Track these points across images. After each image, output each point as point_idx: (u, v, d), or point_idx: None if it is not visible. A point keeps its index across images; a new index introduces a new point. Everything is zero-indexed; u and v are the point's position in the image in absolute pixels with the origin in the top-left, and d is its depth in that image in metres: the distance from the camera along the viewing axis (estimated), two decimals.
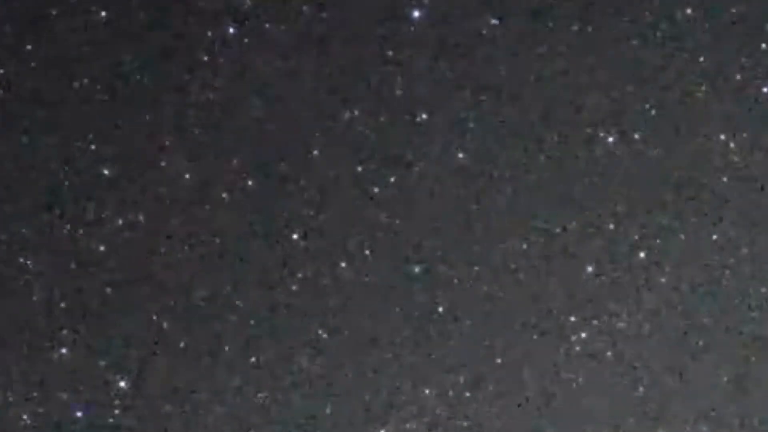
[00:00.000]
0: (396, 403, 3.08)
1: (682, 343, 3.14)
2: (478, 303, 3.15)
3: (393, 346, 3.08)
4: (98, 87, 3.05)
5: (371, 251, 3.03)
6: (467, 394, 3.12)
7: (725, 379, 3.10)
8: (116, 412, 3.07)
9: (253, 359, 3.07)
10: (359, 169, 3.09)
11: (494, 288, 3.14)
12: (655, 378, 3.11)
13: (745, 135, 3.11)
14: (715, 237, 3.17)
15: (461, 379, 3.15)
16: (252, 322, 3.11)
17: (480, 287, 3.14)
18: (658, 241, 3.14)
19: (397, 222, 3.10)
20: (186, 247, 3.03)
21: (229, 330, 3.05)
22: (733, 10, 3.05)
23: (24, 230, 3.02)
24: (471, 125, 3.08)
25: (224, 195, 3.09)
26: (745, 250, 3.12)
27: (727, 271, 3.13)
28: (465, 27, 3.06)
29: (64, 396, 3.04)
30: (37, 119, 2.98)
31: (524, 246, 3.15)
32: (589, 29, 3.08)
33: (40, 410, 3.03)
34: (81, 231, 3.06)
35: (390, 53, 3.08)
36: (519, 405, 3.11)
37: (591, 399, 3.12)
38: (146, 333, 3.09)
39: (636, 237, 3.14)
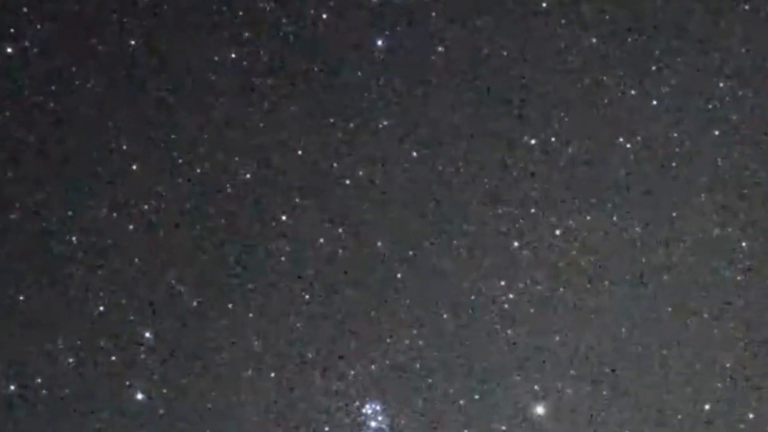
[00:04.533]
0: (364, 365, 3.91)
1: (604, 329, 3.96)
2: (433, 276, 3.98)
3: (359, 308, 3.93)
4: (122, 99, 3.89)
5: (343, 228, 3.88)
6: (418, 363, 3.93)
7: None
8: (142, 357, 3.91)
9: (251, 315, 3.91)
10: (335, 165, 3.93)
11: (446, 262, 3.98)
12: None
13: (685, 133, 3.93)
14: (638, 229, 3.98)
15: (420, 343, 3.97)
16: (250, 297, 3.94)
17: (434, 262, 3.97)
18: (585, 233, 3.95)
19: (365, 207, 3.93)
20: (198, 227, 3.87)
21: (232, 291, 3.89)
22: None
23: (70, 217, 3.86)
24: (423, 130, 3.93)
25: (227, 186, 3.93)
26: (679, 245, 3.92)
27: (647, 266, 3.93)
28: (419, 54, 3.90)
29: (103, 343, 3.88)
30: (78, 124, 3.82)
31: (471, 227, 3.99)
32: (529, 57, 3.91)
33: (83, 354, 3.87)
34: (114, 215, 3.89)
35: (359, 74, 3.92)
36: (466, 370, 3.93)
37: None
38: (166, 296, 3.93)
39: (562, 228, 3.96)
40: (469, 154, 3.91)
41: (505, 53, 3.91)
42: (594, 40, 3.92)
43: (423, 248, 3.92)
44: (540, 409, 3.92)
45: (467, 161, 3.91)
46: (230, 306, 3.90)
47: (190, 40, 3.89)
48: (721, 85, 3.91)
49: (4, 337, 3.83)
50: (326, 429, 3.92)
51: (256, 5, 3.83)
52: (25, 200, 3.80)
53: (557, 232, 3.92)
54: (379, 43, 3.90)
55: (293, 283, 3.89)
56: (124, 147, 3.87)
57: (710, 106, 3.92)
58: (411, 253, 3.92)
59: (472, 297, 3.92)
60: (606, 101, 3.92)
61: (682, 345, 3.94)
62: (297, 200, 3.91)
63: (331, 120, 3.91)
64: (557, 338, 3.93)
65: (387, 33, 3.90)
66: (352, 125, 3.90)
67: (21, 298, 3.83)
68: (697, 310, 3.93)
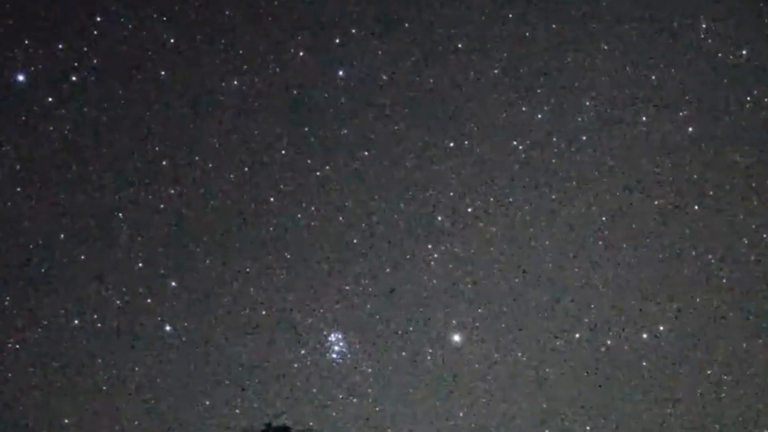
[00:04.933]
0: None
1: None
2: (380, 241, 5.51)
3: (326, 265, 5.46)
4: (155, 113, 5.41)
5: (314, 206, 5.42)
6: (369, 305, 5.47)
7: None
8: (170, 300, 5.43)
9: (248, 270, 5.44)
10: (308, 161, 5.46)
11: (389, 231, 5.51)
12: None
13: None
14: (526, 207, 5.52)
15: (370, 289, 5.50)
16: (247, 257, 5.47)
17: (380, 231, 5.50)
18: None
19: (330, 192, 5.47)
20: (211, 204, 5.41)
21: (234, 253, 5.43)
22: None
23: (119, 198, 5.38)
24: (372, 135, 5.46)
25: (231, 176, 5.45)
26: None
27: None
28: (369, 81, 5.43)
29: (141, 290, 5.41)
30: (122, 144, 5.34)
31: (407, 206, 5.52)
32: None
33: (127, 298, 5.40)
34: (149, 197, 5.41)
35: (326, 95, 5.45)
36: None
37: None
38: (187, 255, 5.45)
39: (472, 207, 5.49)
40: (405, 153, 5.46)
41: (431, 80, 5.45)
42: (496, 71, 5.45)
43: (372, 221, 5.46)
44: (457, 338, 5.46)
45: (404, 158, 5.46)
46: (233, 264, 5.44)
47: (205, 72, 5.42)
48: (587, 103, 5.46)
49: (71, 286, 5.36)
50: (303, 351, 5.46)
51: (252, 48, 5.37)
52: (87, 188, 5.33)
53: (469, 210, 5.46)
54: (340, 73, 5.44)
55: (278, 246, 5.43)
56: (157, 148, 5.40)
57: (579, 119, 5.46)
58: (363, 224, 5.47)
59: (407, 256, 5.47)
60: (504, 115, 5.46)
61: (556, 290, 5.49)
62: (281, 186, 5.45)
63: (306, 128, 5.44)
64: (469, 286, 5.47)
65: (346, 66, 5.43)
66: (321, 132, 5.44)
67: (82, 257, 5.36)
68: (569, 265, 5.48)
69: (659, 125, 5.49)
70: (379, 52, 5.45)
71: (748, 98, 5.42)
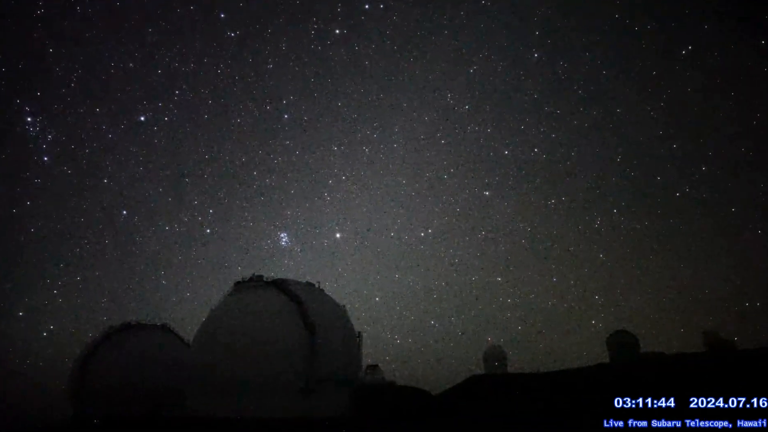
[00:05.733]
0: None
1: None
2: (298, 191, 12.26)
3: (287, 201, 12.18)
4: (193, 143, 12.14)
5: (274, 177, 12.16)
6: (302, 221, 12.22)
7: None
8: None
9: (244, 203, 12.14)
10: (270, 155, 12.23)
11: (304, 186, 12.27)
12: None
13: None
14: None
15: (299, 211, 12.25)
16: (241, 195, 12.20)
17: (305, 191, 12.25)
18: None
19: (278, 173, 12.23)
20: (225, 178, 12.13)
21: (237, 199, 12.14)
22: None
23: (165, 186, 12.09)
24: (300, 147, 12.19)
25: (237, 162, 12.19)
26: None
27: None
28: (301, 120, 12.15)
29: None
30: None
31: (313, 175, 12.25)
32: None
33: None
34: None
35: (278, 126, 12.19)
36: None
37: None
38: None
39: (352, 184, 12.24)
40: (318, 155, 12.26)
41: (327, 120, 12.22)
42: (357, 120, 12.21)
43: (302, 185, 12.22)
44: (338, 235, 12.31)
45: (315, 157, 12.22)
46: (233, 200, 12.19)
47: (221, 120, 12.23)
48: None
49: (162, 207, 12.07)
50: (269, 241, 12.38)
51: (244, 103, 12.14)
52: (176, 169, 12.08)
53: (344, 179, 12.23)
54: (285, 116, 12.27)
55: (256, 192, 12.16)
56: (203, 149, 12.19)
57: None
58: (296, 184, 12.24)
59: (316, 198, 12.37)
60: (373, 131, 12.21)
61: (392, 209, 12.19)
62: (255, 173, 12.22)
63: (270, 142, 12.24)
64: (345, 213, 12.21)
65: (290, 113, 12.26)
66: (276, 143, 12.29)
67: (169, 199, 12.10)
68: (403, 191, 12.20)
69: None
70: (303, 107, 12.27)
71: None
